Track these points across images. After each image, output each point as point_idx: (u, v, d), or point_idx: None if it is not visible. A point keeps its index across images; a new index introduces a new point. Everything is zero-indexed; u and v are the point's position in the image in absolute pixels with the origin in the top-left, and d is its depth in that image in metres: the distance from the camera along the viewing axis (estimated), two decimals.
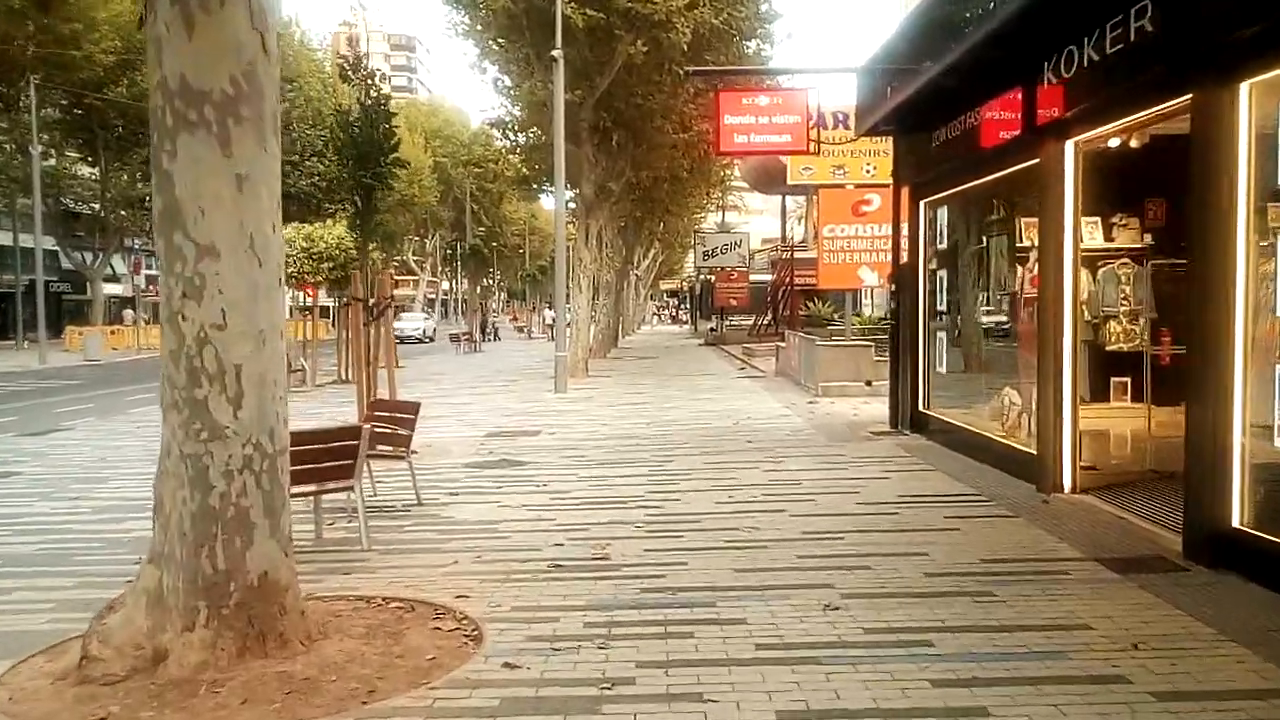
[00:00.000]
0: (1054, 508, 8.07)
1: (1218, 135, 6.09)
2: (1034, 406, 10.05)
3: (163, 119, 4.69)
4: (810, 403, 17.01)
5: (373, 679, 4.65)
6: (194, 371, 4.70)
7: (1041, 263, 8.77)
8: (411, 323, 51.05)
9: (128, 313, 65.61)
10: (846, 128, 17.59)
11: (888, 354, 17.49)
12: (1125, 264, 10.08)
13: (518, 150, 27.71)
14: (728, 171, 46.65)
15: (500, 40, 23.83)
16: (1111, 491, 8.33)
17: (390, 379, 12.24)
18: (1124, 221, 10.50)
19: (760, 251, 60.13)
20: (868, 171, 18.71)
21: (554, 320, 28.91)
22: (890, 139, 18.88)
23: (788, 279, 35.71)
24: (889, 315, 13.26)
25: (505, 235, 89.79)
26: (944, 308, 12.32)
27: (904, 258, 13.09)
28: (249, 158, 4.77)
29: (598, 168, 24.83)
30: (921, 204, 12.50)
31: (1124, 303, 10.10)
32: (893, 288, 13.20)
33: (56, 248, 53.61)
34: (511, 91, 25.42)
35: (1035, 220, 9.35)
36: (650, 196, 34.49)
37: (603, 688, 4.50)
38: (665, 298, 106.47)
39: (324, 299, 38.66)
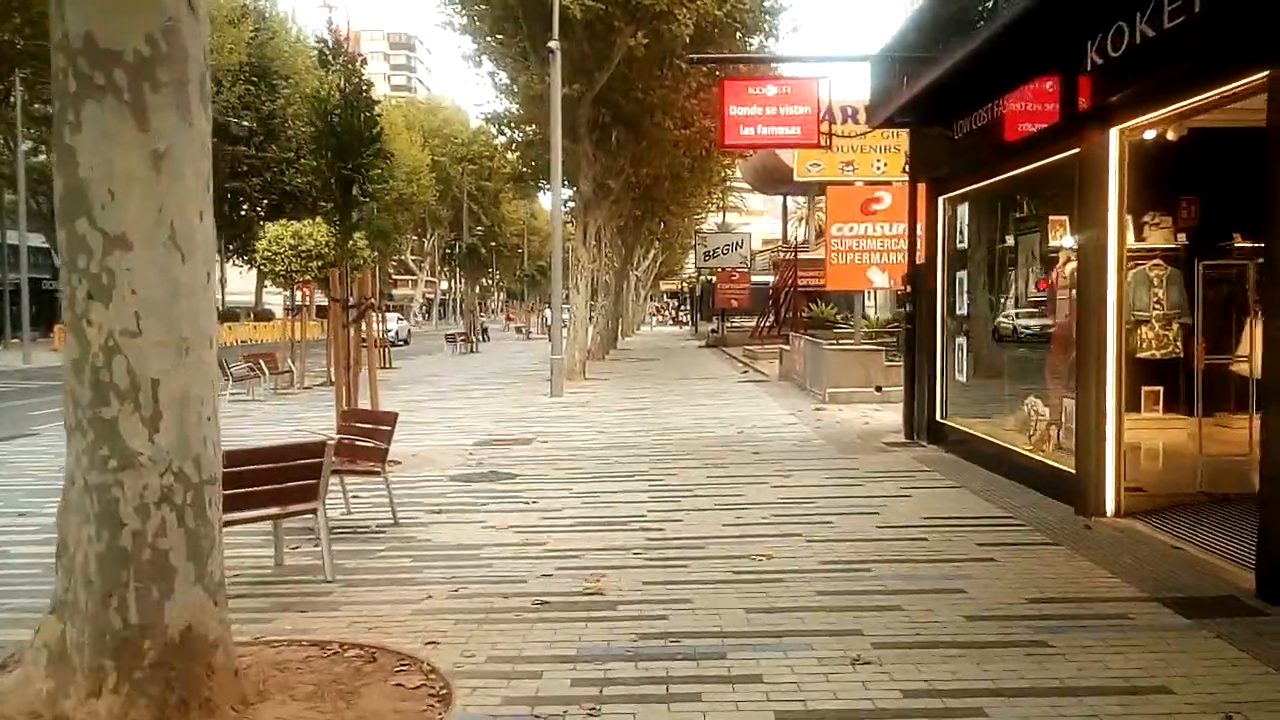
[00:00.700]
0: (1098, 534, 7.27)
1: None
2: (1064, 418, 9.30)
3: (64, 84, 3.90)
4: (817, 410, 16.21)
5: None
6: (101, 387, 3.91)
7: (1082, 262, 7.98)
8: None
9: None
10: (856, 122, 16.81)
11: (901, 359, 16.75)
12: (1158, 265, 9.30)
13: (514, 146, 26.90)
14: (729, 171, 45.94)
15: (497, 36, 23.06)
16: (1161, 517, 7.53)
17: (372, 384, 11.45)
18: (1156, 220, 9.73)
19: (762, 252, 59.44)
20: (878, 168, 17.91)
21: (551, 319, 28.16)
22: (904, 133, 18.30)
23: (791, 280, 34.91)
24: (905, 319, 12.47)
25: (504, 235, 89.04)
26: (964, 311, 11.53)
27: (920, 258, 12.30)
28: (169, 131, 3.98)
29: (596, 165, 24.03)
30: (940, 200, 11.71)
31: (1156, 307, 9.33)
32: (908, 289, 12.41)
33: (47, 245, 52.86)
34: (509, 87, 24.65)
35: (1070, 217, 8.58)
36: (650, 195, 33.67)
37: None
38: (665, 299, 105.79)
39: (321, 298, 38.02)
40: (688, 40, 19.95)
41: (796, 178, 19.63)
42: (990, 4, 8.68)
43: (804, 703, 4.31)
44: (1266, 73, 5.68)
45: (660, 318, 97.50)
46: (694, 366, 29.43)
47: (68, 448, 4.05)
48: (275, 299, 62.82)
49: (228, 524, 6.24)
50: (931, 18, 10.34)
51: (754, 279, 44.45)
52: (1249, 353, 8.17)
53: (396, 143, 69.15)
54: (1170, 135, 8.25)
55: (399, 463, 11.17)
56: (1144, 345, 9.46)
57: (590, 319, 28.56)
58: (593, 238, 25.16)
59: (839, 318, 31.75)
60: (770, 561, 6.66)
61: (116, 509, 3.92)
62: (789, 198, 66.52)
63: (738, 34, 22.85)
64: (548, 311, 30.77)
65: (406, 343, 46.20)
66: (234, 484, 6.03)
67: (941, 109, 10.70)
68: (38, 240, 53.21)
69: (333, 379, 23.46)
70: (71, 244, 3.93)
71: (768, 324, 36.68)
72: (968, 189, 10.91)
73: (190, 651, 4.05)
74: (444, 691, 4.50)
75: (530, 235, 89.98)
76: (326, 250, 22.38)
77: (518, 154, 28.13)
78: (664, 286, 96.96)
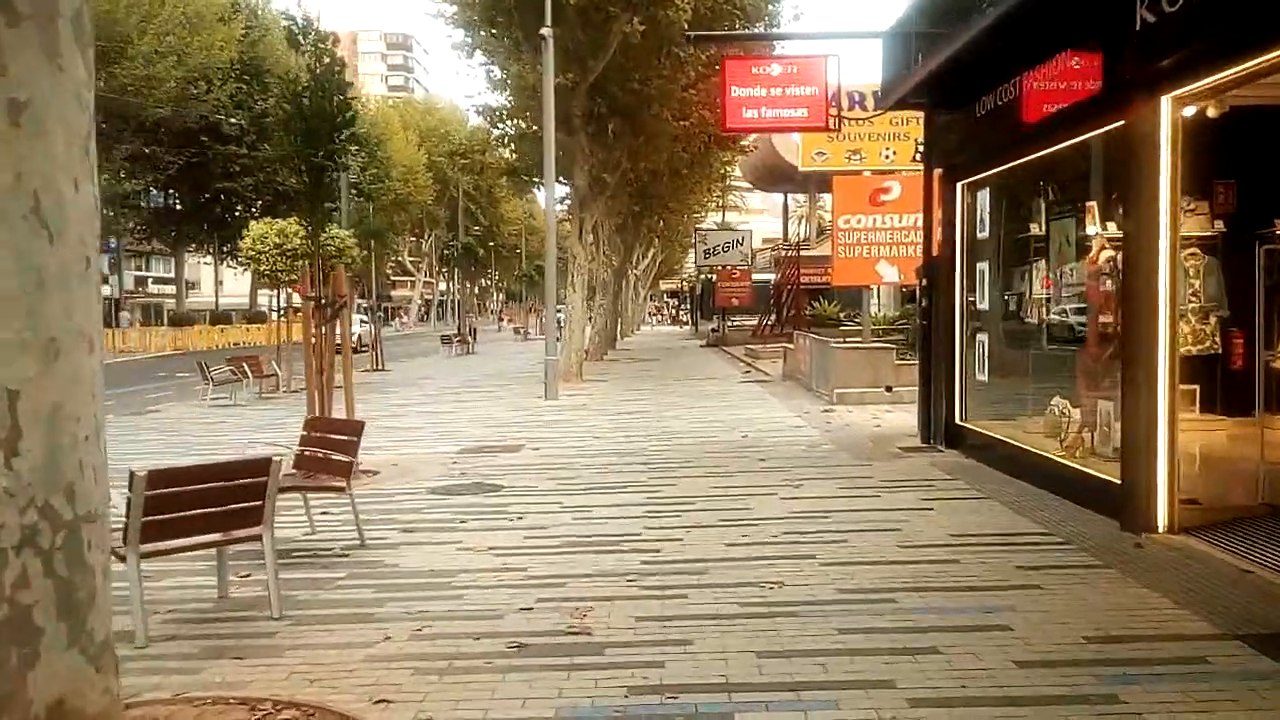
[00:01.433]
0: (1152, 555, 6.44)
1: None
2: (1098, 421, 8.50)
3: None
4: (825, 411, 15.38)
5: None
6: None
7: (1128, 250, 7.15)
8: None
9: (124, 315, 64.03)
10: (864, 109, 15.98)
11: (913, 358, 15.93)
12: (1194, 255, 8.55)
13: (507, 140, 26.05)
14: (729, 168, 45.18)
15: (490, 30, 22.25)
16: (1220, 533, 6.70)
17: (347, 388, 10.63)
18: (1191, 206, 8.96)
19: (762, 250, 58.65)
20: (887, 156, 17.06)
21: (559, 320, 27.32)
22: (915, 120, 17.48)
23: (793, 278, 34.09)
24: (920, 315, 11.64)
25: (502, 235, 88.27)
26: (985, 306, 10.71)
27: (936, 250, 11.48)
28: (30, 78, 3.14)
29: (592, 158, 23.20)
30: (958, 187, 10.88)
31: (1193, 299, 8.57)
32: (923, 283, 11.58)
33: None
34: (502, 80, 23.83)
35: (1110, 200, 7.77)
36: (648, 191, 32.84)
37: None
38: (665, 298, 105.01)
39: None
40: (686, 26, 19.10)
41: (801, 167, 18.77)
42: None
43: None
44: None
45: (660, 317, 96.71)
46: (695, 366, 28.61)
47: None
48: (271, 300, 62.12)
49: (164, 553, 5.46)
50: None
51: (755, 277, 43.64)
52: None
53: (393, 143, 68.55)
54: (1210, 112, 7.47)
55: (376, 473, 10.38)
56: (1181, 341, 8.70)
57: (588, 319, 27.76)
58: (589, 235, 24.31)
59: (842, 315, 30.95)
60: (781, 590, 5.83)
61: None
62: (789, 196, 65.82)
63: (738, 22, 22.01)
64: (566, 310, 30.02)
65: (368, 347, 39.29)
66: (169, 507, 5.24)
67: (961, 87, 9.88)
68: None
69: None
70: None
71: (769, 323, 35.84)
72: (989, 173, 10.09)
73: None
74: None
75: (528, 235, 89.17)
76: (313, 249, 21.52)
77: (511, 148, 27.28)
78: (664, 286, 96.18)
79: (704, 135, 27.88)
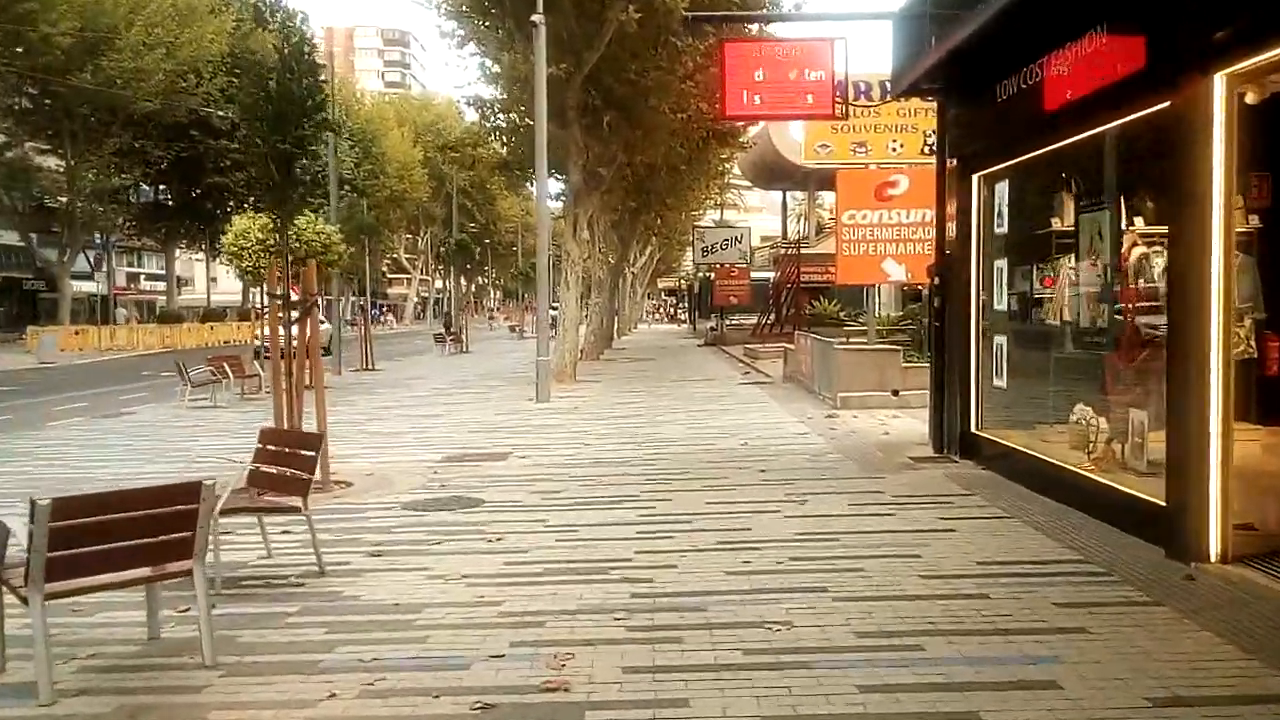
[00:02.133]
0: (1207, 589, 5.72)
1: None
2: (1131, 432, 7.79)
3: None
4: (829, 416, 14.65)
5: None
6: None
7: (1176, 246, 6.42)
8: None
9: (121, 312, 63.17)
10: (870, 98, 15.25)
11: (923, 360, 15.21)
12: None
13: (498, 134, 25.29)
14: (727, 165, 44.52)
15: (483, 22, 21.52)
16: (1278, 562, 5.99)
17: (318, 396, 9.90)
18: None
19: (761, 249, 57.99)
20: (894, 149, 16.32)
21: (553, 318, 26.57)
22: (923, 111, 16.78)
23: (793, 276, 33.36)
24: (933, 315, 10.91)
25: (499, 232, 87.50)
26: (1002, 306, 9.99)
27: (950, 246, 10.75)
28: None
29: (586, 152, 22.46)
30: (974, 179, 10.15)
31: None
32: (936, 282, 10.85)
33: (23, 243, 51.35)
34: (494, 72, 23.08)
35: (1151, 190, 7.05)
36: (645, 187, 32.12)
37: None
38: (663, 296, 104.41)
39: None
40: (684, 15, 18.36)
41: (803, 160, 18.01)
42: None
43: None
44: None
45: (658, 315, 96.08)
46: (692, 367, 27.88)
47: None
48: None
49: (76, 593, 4.73)
50: None
51: (754, 276, 42.91)
52: None
53: (388, 139, 67.81)
54: (1249, 98, 6.76)
55: (349, 484, 9.68)
56: None
57: (584, 317, 27.04)
58: (584, 230, 23.57)
59: (842, 314, 30.26)
60: (790, 631, 5.10)
61: None
62: (788, 194, 65.14)
63: (736, 6, 21.20)
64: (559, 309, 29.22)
65: (328, 351, 33.89)
66: (80, 540, 4.51)
67: (979, 70, 9.15)
68: (11, 237, 51.71)
69: (308, 383, 22.06)
70: None
71: (769, 322, 35.12)
72: (1009, 164, 9.36)
73: None
74: None
75: (525, 232, 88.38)
76: (298, 245, 20.76)
77: (503, 142, 26.53)
78: (662, 284, 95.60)
79: (702, 130, 27.17)
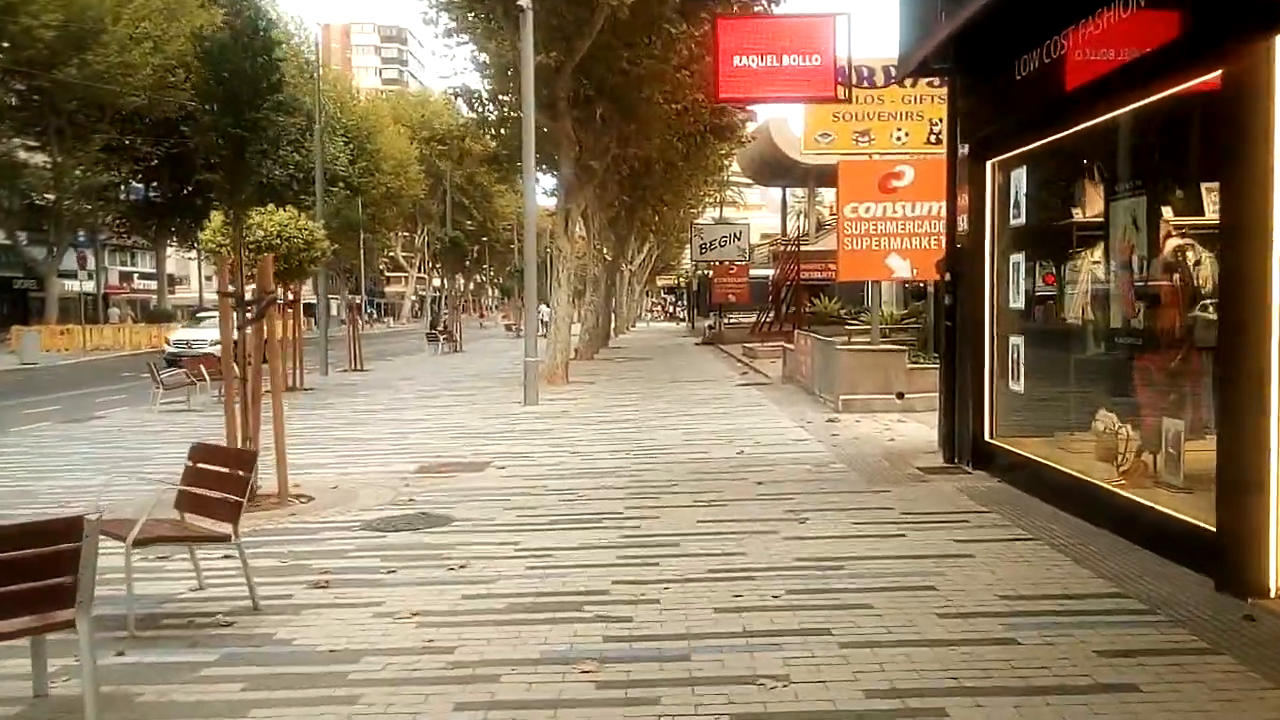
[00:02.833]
0: (1271, 633, 4.94)
1: None
2: (1164, 441, 7.01)
3: None
4: (830, 420, 13.87)
5: None
6: None
7: (1229, 234, 5.62)
8: (204, 333, 28.55)
9: (114, 310, 62.23)
10: (873, 85, 14.46)
11: (928, 361, 14.47)
12: None
13: (487, 126, 24.49)
14: (725, 161, 43.82)
15: (469, 11, 20.73)
16: None
17: (275, 405, 9.10)
18: None
19: (760, 246, 57.25)
20: (899, 138, 15.51)
21: (548, 316, 25.77)
22: (930, 99, 15.94)
23: (793, 273, 32.57)
24: (943, 314, 10.13)
25: (496, 230, 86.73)
26: (1019, 303, 9.20)
27: (962, 239, 9.97)
28: None
29: (578, 145, 21.66)
30: (988, 166, 9.36)
31: None
32: (946, 278, 10.07)
33: (8, 241, 50.51)
34: (483, 62, 22.30)
35: (1200, 174, 6.27)
36: (641, 182, 31.32)
37: None
38: (662, 294, 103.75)
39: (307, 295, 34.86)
40: (679, 2, 17.60)
41: (803, 151, 17.18)
42: None
43: None
44: None
45: (655, 314, 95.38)
46: (689, 367, 27.10)
47: None
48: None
49: None
50: None
51: (753, 273, 42.11)
52: None
53: (383, 135, 66.90)
54: None
55: (309, 499, 8.90)
56: None
57: (578, 316, 26.26)
58: (576, 226, 22.78)
59: (843, 313, 29.47)
60: (788, 688, 4.33)
61: None
62: (788, 190, 64.38)
63: None
64: (543, 307, 28.49)
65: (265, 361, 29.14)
66: None
67: (996, 45, 8.37)
68: None
69: (290, 384, 21.30)
70: None
71: (768, 320, 34.32)
72: (1028, 148, 8.57)
73: None
74: None
75: (523, 230, 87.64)
76: (279, 241, 20.05)
77: (492, 134, 25.74)
78: (660, 282, 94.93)
79: (700, 125, 26.41)
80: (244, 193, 8.99)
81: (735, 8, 17.82)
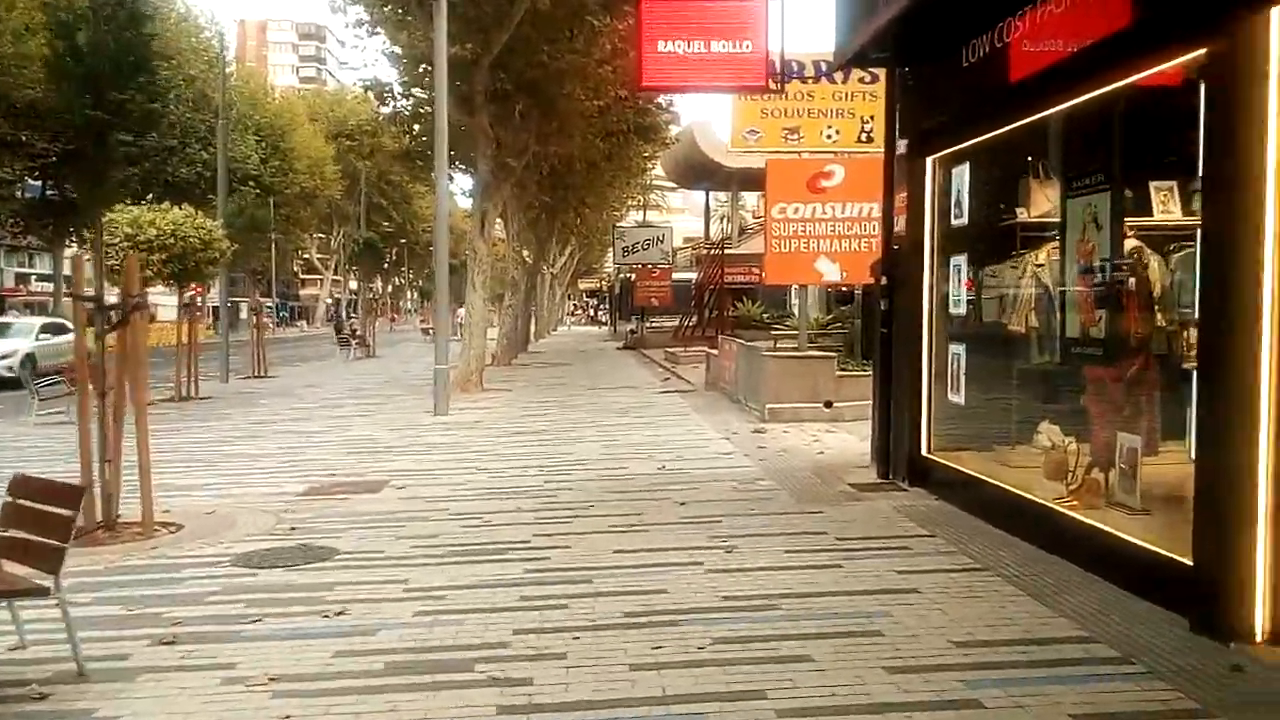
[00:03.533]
0: (1261, 683, 4.33)
1: None
2: (1117, 457, 6.45)
3: None
4: (757, 431, 13.19)
5: None
6: None
7: (1212, 232, 5.01)
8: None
9: (13, 313, 59.13)
10: (803, 80, 13.84)
11: (865, 370, 13.90)
12: None
13: (399, 119, 23.40)
14: (648, 164, 43.22)
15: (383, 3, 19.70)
16: None
17: (140, 419, 8.06)
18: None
19: (683, 249, 56.75)
20: (829, 136, 14.92)
21: (463, 320, 24.76)
22: (861, 95, 15.33)
23: (716, 277, 31.98)
24: (880, 320, 9.48)
25: (416, 232, 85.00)
26: (962, 309, 8.60)
27: (900, 241, 9.35)
28: None
29: (496, 142, 20.72)
30: (929, 163, 8.74)
31: None
32: (882, 281, 9.44)
33: None
34: (392, 51, 21.23)
35: (1166, 165, 5.68)
36: (563, 182, 30.45)
37: None
38: (584, 297, 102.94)
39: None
40: None
41: (730, 147, 16.44)
42: None
43: None
44: None
45: (577, 317, 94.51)
46: (610, 372, 26.32)
47: None
48: (166, 299, 57.91)
49: None
50: None
51: (676, 276, 41.45)
52: None
53: (298, 134, 64.88)
54: None
55: (178, 527, 7.90)
56: (1191, 353, 6.78)
57: (496, 320, 25.29)
58: (493, 227, 21.85)
59: (765, 317, 28.97)
60: None
61: None
62: (711, 194, 64.08)
63: None
64: (461, 311, 27.49)
65: (12, 373, 21.55)
66: None
67: (943, 30, 7.75)
68: None
69: (184, 393, 19.99)
70: None
71: (691, 324, 33.69)
72: (973, 142, 7.95)
73: None
74: None
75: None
76: (173, 241, 18.79)
77: (404, 129, 24.64)
78: (583, 285, 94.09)
79: (622, 125, 25.68)
80: (106, 184, 7.95)
81: None
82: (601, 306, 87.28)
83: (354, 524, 7.98)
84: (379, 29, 20.45)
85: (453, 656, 4.88)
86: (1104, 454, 6.93)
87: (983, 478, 7.96)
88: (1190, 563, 5.04)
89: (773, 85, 9.91)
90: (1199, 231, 5.12)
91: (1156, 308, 6.46)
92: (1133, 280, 6.63)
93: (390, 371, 27.46)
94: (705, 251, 40.58)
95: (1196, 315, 5.17)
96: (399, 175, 56.94)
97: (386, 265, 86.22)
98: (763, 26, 9.55)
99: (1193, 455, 5.33)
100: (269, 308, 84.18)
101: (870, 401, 10.22)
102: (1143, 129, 6.44)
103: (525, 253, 35.82)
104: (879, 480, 9.35)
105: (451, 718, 4.15)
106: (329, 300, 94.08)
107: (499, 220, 31.20)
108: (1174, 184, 6.07)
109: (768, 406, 14.02)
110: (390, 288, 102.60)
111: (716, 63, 9.46)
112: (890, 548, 6.88)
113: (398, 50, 20.73)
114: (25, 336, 23.85)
